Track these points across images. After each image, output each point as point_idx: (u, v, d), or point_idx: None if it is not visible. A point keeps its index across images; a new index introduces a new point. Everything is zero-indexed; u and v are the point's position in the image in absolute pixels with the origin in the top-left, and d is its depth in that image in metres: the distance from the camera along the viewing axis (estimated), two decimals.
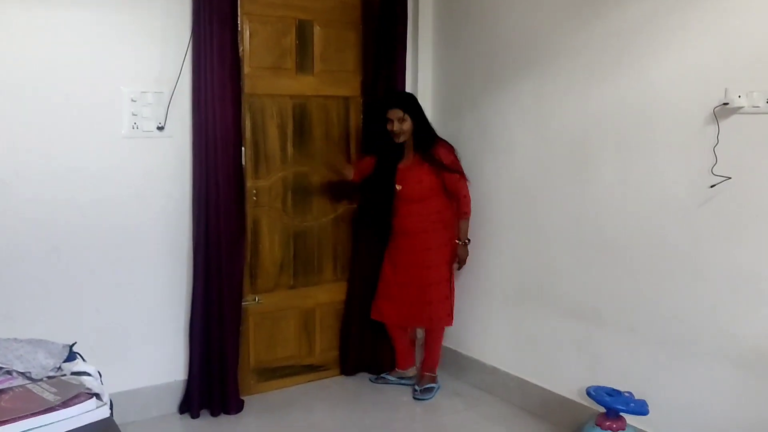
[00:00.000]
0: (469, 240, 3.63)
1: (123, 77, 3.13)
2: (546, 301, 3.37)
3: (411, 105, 3.60)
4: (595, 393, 2.88)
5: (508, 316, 3.61)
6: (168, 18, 3.20)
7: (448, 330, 3.89)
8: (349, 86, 3.84)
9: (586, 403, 3.10)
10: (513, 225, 3.53)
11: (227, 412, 3.42)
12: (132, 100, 3.16)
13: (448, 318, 3.72)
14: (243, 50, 3.44)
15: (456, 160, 3.61)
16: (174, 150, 3.29)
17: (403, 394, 3.73)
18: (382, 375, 3.90)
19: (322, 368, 3.92)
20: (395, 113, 3.54)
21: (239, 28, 3.37)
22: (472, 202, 3.60)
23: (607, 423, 2.81)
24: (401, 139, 3.58)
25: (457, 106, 3.87)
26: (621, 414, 2.81)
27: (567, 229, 3.23)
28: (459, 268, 3.73)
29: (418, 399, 3.66)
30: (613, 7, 2.94)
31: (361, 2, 3.81)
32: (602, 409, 2.87)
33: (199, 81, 3.22)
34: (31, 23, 2.91)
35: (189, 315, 3.35)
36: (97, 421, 1.32)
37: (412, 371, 3.89)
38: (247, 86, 3.47)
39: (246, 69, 3.45)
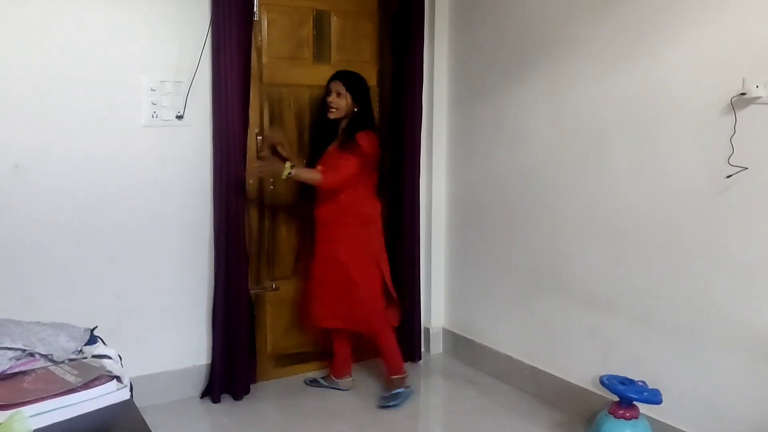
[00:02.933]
0: (291, 172, 3.18)
1: (142, 66, 3.18)
2: (559, 289, 3.38)
3: (355, 85, 3.36)
4: (608, 381, 2.89)
5: (521, 304, 3.63)
6: (186, 7, 3.23)
7: (460, 317, 3.92)
8: (366, 76, 3.80)
9: (599, 392, 3.11)
10: (527, 213, 3.54)
11: (240, 397, 3.47)
12: (151, 89, 3.20)
13: (384, 318, 3.48)
14: (261, 40, 3.47)
15: (369, 150, 3.32)
16: (193, 138, 3.33)
17: (413, 381, 3.74)
18: (315, 379, 3.70)
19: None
20: (336, 85, 3.33)
21: (257, 18, 3.39)
22: (480, 191, 3.60)
23: (621, 411, 2.82)
24: (333, 115, 3.36)
25: (472, 96, 3.87)
26: (634, 403, 2.82)
27: (581, 217, 3.24)
28: (255, 167, 3.34)
29: (382, 407, 3.41)
30: None
31: None
32: (615, 398, 2.88)
33: (218, 70, 3.25)
34: (53, 11, 2.96)
35: (211, 300, 3.40)
36: (117, 403, 1.36)
37: (347, 383, 3.65)
38: (265, 76, 3.51)
39: (264, 59, 3.48)
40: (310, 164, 3.43)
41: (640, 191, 2.95)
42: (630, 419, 2.81)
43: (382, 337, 3.48)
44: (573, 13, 3.20)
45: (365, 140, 3.29)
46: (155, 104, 3.22)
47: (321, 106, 3.47)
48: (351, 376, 3.68)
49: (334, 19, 3.71)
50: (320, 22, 3.67)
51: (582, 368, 3.27)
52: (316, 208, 3.44)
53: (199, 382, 3.48)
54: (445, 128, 4.06)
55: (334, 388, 3.63)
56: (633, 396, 2.78)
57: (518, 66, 3.54)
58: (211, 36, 3.25)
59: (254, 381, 3.59)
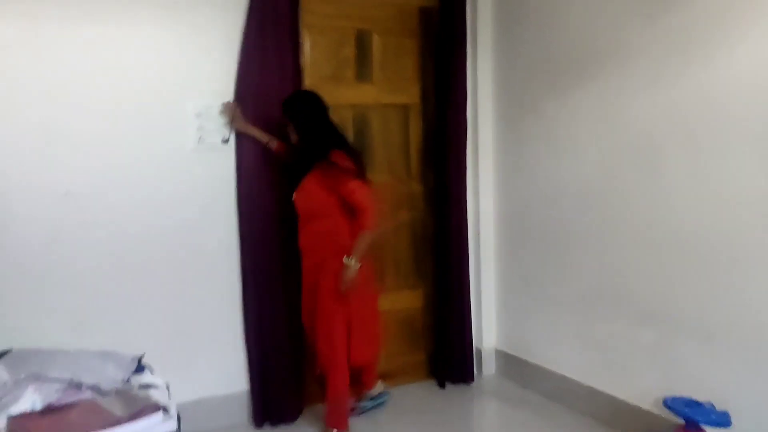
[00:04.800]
0: (360, 263, 3.04)
1: (188, 92, 3.21)
2: (616, 306, 3.26)
3: (289, 108, 3.11)
4: (673, 404, 2.75)
5: (576, 323, 3.51)
6: (231, 32, 3.25)
7: (513, 337, 3.81)
8: (409, 94, 3.82)
9: (661, 414, 2.97)
10: (580, 229, 3.43)
11: (284, 422, 3.42)
12: (197, 115, 3.22)
13: (340, 361, 3.19)
14: (303, 61, 3.47)
15: (354, 168, 3.07)
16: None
17: (466, 403, 3.65)
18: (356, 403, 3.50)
19: (387, 376, 3.88)
20: (284, 118, 3.15)
21: (300, 41, 3.40)
22: (533, 207, 3.50)
23: None
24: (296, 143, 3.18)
25: (518, 111, 3.80)
26: (701, 426, 2.68)
27: (637, 230, 3.12)
28: (343, 290, 3.09)
29: None
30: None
31: (419, 10, 3.79)
32: (680, 421, 2.75)
33: (259, 93, 3.25)
34: (104, 39, 3.03)
35: (243, 323, 3.39)
36: None
37: (379, 387, 3.57)
38: None
39: (306, 80, 3.48)
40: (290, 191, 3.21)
41: (699, 203, 2.83)
42: None
43: (331, 380, 3.22)
44: (622, 22, 3.11)
45: (344, 160, 3.06)
46: (201, 129, 3.24)
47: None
48: (378, 380, 3.58)
49: (375, 38, 3.69)
50: (362, 42, 3.66)
51: (642, 389, 3.14)
52: (299, 236, 3.25)
53: (248, 406, 3.45)
54: (492, 143, 3.99)
55: (376, 404, 3.54)
56: (700, 419, 2.64)
57: (566, 78, 3.45)
58: (254, 59, 3.25)
59: (304, 405, 3.54)
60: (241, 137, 3.30)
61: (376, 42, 3.70)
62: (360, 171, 3.11)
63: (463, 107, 3.83)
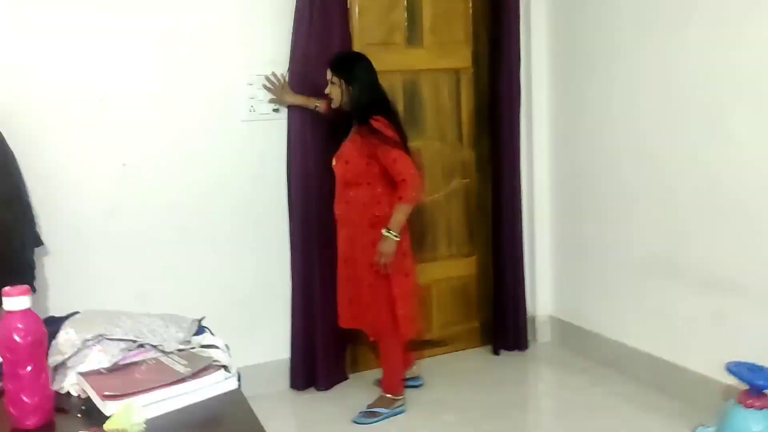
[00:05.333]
0: (397, 235, 2.92)
1: (238, 61, 3.22)
2: (676, 271, 3.17)
3: (344, 67, 3.02)
4: (736, 369, 2.67)
5: (634, 289, 3.43)
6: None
7: (570, 304, 3.76)
8: (460, 58, 3.76)
9: (723, 380, 2.90)
10: (639, 192, 3.34)
11: (327, 386, 3.48)
12: (248, 84, 3.23)
13: (394, 330, 3.12)
14: (352, 28, 3.44)
15: (397, 137, 2.97)
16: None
17: (520, 370, 3.62)
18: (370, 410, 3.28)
19: (441, 344, 3.90)
20: (328, 74, 3.03)
21: (348, 6, 3.37)
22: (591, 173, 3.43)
23: (750, 401, 2.61)
24: (334, 105, 3.06)
25: (574, 74, 3.70)
26: (765, 391, 2.60)
27: (699, 194, 3.02)
28: (381, 262, 2.96)
29: (354, 421, 3.16)
30: None
31: None
32: (744, 387, 2.67)
33: (309, 60, 3.24)
34: (155, 14, 3.05)
35: (291, 290, 3.41)
36: (225, 393, 1.35)
37: (414, 370, 3.48)
38: None
39: (355, 46, 3.44)
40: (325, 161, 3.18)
41: (765, 165, 2.72)
42: (761, 409, 2.60)
43: (392, 349, 3.21)
44: None
45: (385, 128, 2.93)
46: (252, 98, 3.25)
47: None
48: (414, 363, 3.48)
49: (425, 2, 3.63)
50: (412, 6, 3.60)
51: (704, 355, 3.06)
52: (334, 205, 3.18)
53: (300, 370, 3.48)
54: (546, 108, 3.90)
55: (407, 385, 3.37)
56: (764, 384, 2.57)
57: (624, 40, 3.34)
58: (303, 26, 3.24)
59: (353, 371, 3.61)
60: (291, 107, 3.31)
61: (427, 5, 3.64)
62: (403, 141, 3.00)
63: (517, 71, 3.74)
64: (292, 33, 3.24)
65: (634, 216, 3.38)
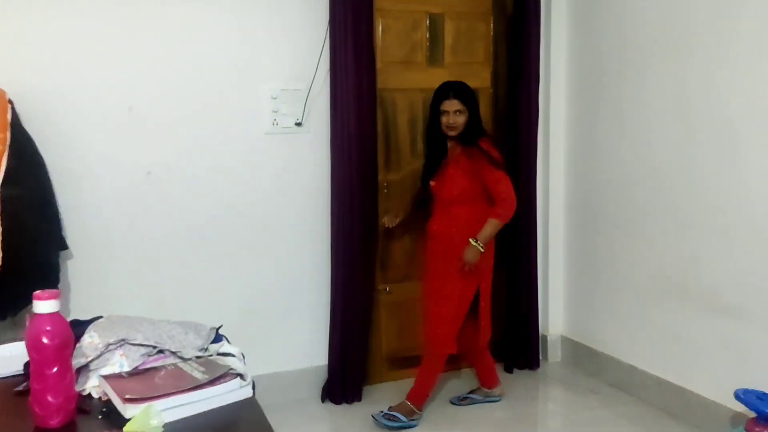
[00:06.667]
0: (483, 247, 3.10)
1: (263, 75, 3.30)
2: (688, 294, 3.19)
3: (469, 96, 3.21)
4: (745, 396, 2.69)
5: (646, 311, 3.45)
6: (304, 15, 3.32)
7: (581, 325, 3.77)
8: (480, 77, 3.81)
9: (732, 406, 2.91)
10: (652, 214, 3.37)
11: (354, 400, 3.53)
12: (272, 98, 3.31)
13: (438, 342, 3.25)
14: (375, 46, 3.51)
15: (501, 159, 3.21)
16: (312, 145, 3.43)
17: (531, 389, 3.65)
18: (466, 396, 3.54)
19: (455, 360, 3.91)
20: (453, 104, 3.15)
21: (373, 25, 3.44)
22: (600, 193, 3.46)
23: (757, 429, 2.62)
24: (454, 133, 3.20)
25: (592, 93, 3.74)
26: None
27: (712, 217, 3.04)
28: (466, 268, 3.14)
29: (375, 418, 3.27)
30: None
31: None
32: (752, 414, 2.68)
33: (336, 77, 3.32)
34: (183, 26, 3.14)
35: (330, 302, 3.47)
36: (240, 400, 1.40)
37: (499, 390, 3.54)
38: (379, 81, 3.53)
39: (378, 64, 3.52)
40: (425, 180, 3.35)
41: None
42: None
43: (426, 362, 3.32)
44: (703, 5, 3.02)
45: (493, 149, 3.19)
46: (276, 112, 3.33)
47: (432, 123, 3.28)
48: (500, 384, 3.56)
49: (447, 22, 3.70)
50: (434, 26, 3.67)
51: (712, 380, 3.07)
52: (431, 221, 3.33)
53: (319, 383, 3.55)
54: (563, 127, 3.94)
55: (490, 401, 3.51)
56: None
57: (642, 61, 3.38)
58: (329, 43, 3.32)
59: (367, 383, 3.65)
60: (323, 118, 3.40)
61: (449, 26, 3.71)
62: (504, 162, 3.23)
63: (536, 91, 3.79)
64: (330, 47, 3.31)
65: (646, 237, 3.41)
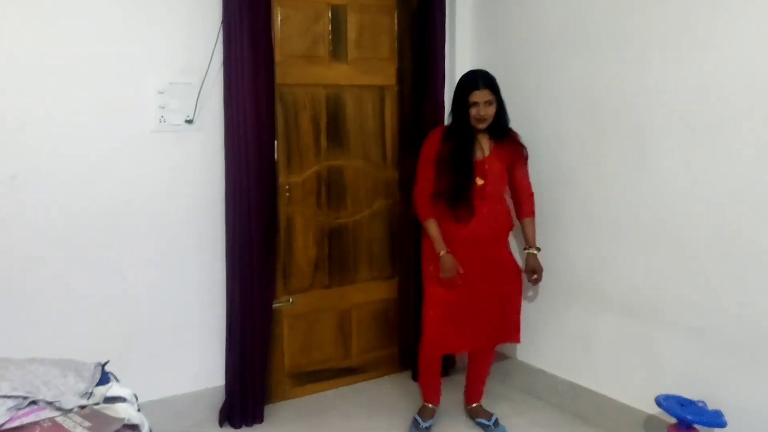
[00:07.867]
0: (537, 249, 3.18)
1: (149, 67, 2.95)
2: (600, 298, 3.16)
3: (496, 85, 3.00)
4: (666, 403, 2.65)
5: (557, 315, 3.40)
6: (196, 3, 3.01)
7: None
8: (385, 74, 3.64)
9: (646, 410, 2.88)
10: (561, 218, 3.31)
11: (255, 421, 3.28)
12: (159, 92, 2.98)
13: (517, 333, 3.21)
14: (274, 38, 3.25)
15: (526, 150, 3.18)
16: (204, 144, 3.11)
17: (447, 399, 3.52)
18: (478, 420, 3.29)
19: (359, 371, 3.74)
20: (483, 95, 2.92)
21: (271, 14, 3.17)
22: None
23: None
24: (484, 126, 2.98)
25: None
26: (694, 426, 2.58)
27: (623, 220, 3.01)
28: (536, 282, 3.20)
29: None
30: None
31: None
32: (671, 420, 2.65)
33: (230, 70, 3.03)
34: (50, 11, 2.73)
35: (226, 317, 3.19)
36: None
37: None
38: (279, 76, 3.27)
39: (277, 57, 3.25)
40: (464, 177, 2.97)
41: (690, 193, 2.73)
42: None
43: (490, 355, 3.33)
44: (613, 3, 2.97)
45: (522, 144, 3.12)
46: (163, 108, 2.99)
47: (459, 116, 3.01)
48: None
49: (350, 14, 3.49)
50: (337, 18, 3.45)
51: (627, 385, 3.05)
52: (471, 225, 2.99)
53: (216, 405, 3.25)
54: None
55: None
56: (693, 419, 2.55)
57: (549, 61, 3.32)
58: (222, 33, 3.03)
59: (269, 402, 3.40)
60: (217, 115, 3.10)
61: (352, 19, 3.50)
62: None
63: (441, 90, 3.64)
64: (224, 39, 3.02)
65: (554, 240, 3.35)
